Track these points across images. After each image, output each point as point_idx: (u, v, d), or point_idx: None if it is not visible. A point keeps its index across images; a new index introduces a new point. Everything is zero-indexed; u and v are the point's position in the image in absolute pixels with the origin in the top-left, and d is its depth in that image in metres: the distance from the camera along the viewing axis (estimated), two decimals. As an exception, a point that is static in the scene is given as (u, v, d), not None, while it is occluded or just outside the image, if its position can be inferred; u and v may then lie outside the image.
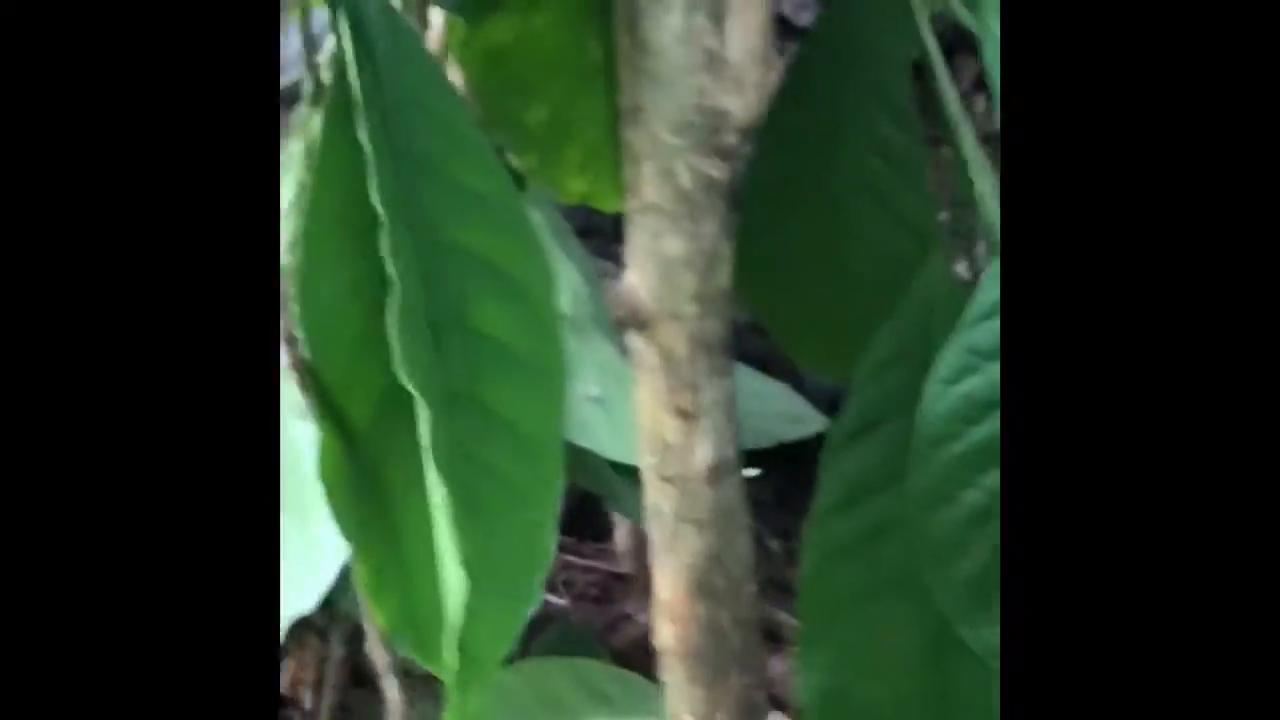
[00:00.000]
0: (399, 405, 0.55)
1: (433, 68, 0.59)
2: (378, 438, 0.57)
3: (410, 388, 0.53)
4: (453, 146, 0.58)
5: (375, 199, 0.55)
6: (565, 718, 0.84)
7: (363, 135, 0.56)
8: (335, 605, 0.90)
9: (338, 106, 0.56)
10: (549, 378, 0.60)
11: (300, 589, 0.85)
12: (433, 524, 0.55)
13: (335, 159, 0.56)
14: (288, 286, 0.55)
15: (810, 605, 0.73)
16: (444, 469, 0.53)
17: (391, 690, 0.63)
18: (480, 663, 0.57)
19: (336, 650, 1.03)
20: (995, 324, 0.65)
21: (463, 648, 0.56)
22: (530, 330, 0.60)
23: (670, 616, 0.67)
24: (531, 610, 0.60)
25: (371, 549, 0.58)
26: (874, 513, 0.71)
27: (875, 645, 0.73)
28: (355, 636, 1.03)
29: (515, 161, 0.76)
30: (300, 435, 0.88)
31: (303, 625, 1.04)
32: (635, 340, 0.65)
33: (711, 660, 0.67)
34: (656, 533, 0.66)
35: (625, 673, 0.87)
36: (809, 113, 0.80)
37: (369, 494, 0.57)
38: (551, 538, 0.61)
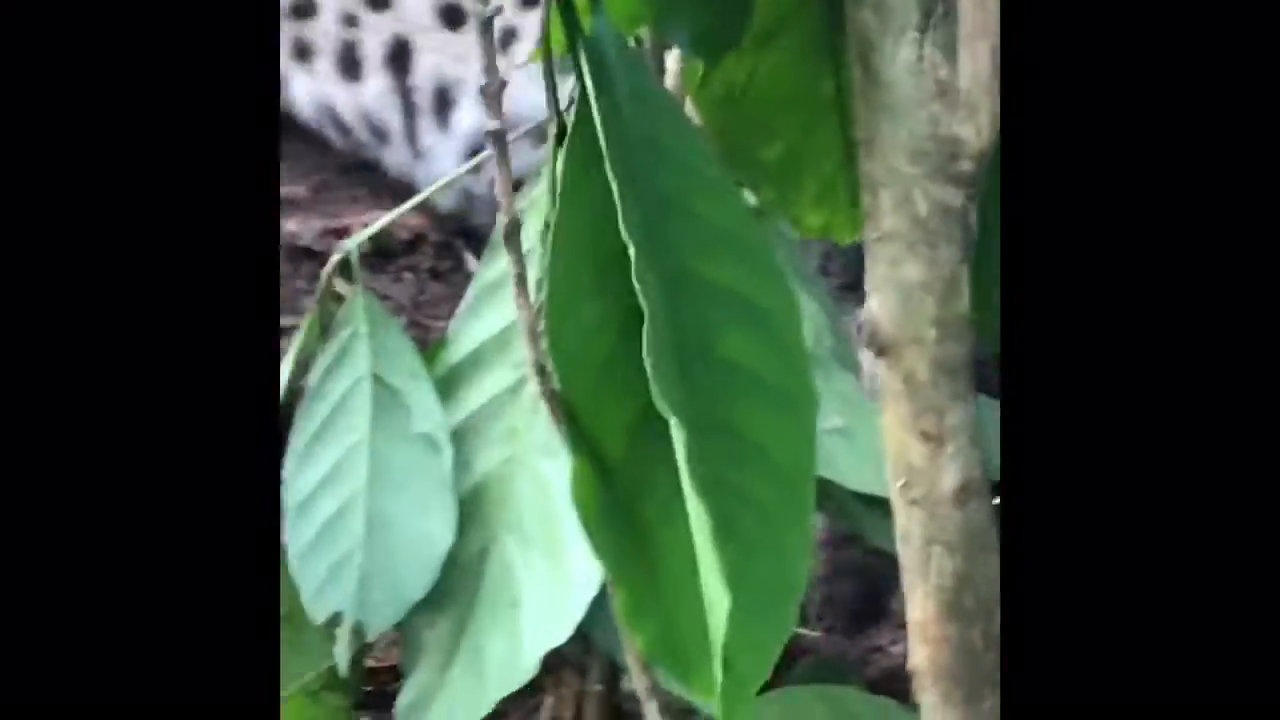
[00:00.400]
0: (651, 435, 0.57)
1: (673, 107, 0.61)
2: (631, 467, 0.59)
3: (666, 413, 0.54)
4: (695, 182, 0.60)
5: (624, 233, 0.57)
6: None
7: (609, 173, 0.58)
8: (591, 640, 0.92)
9: (582, 146, 0.58)
10: (799, 404, 0.62)
11: (553, 623, 0.88)
12: (690, 550, 0.57)
13: (582, 197, 0.58)
14: (534, 322, 0.57)
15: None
16: (701, 494, 0.55)
17: (654, 717, 0.64)
18: (742, 685, 0.59)
19: (594, 686, 1.05)
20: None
21: (724, 671, 0.57)
22: (777, 358, 0.61)
23: (923, 638, 0.67)
24: (788, 637, 0.61)
25: (629, 576, 0.59)
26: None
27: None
28: (612, 673, 1.05)
29: (752, 198, 0.77)
30: (548, 471, 0.91)
31: (559, 663, 1.06)
32: (879, 366, 0.66)
33: (965, 680, 0.67)
34: (906, 557, 0.67)
35: (881, 699, 0.88)
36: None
37: (624, 523, 0.59)
38: (805, 564, 0.62)
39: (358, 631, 0.89)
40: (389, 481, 0.92)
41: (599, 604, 0.88)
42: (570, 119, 0.59)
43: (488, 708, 0.89)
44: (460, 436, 0.93)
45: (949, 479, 0.65)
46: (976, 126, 0.65)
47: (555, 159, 0.60)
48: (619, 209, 0.57)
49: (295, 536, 0.91)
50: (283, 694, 0.95)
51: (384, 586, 0.90)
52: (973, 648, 0.67)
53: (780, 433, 0.61)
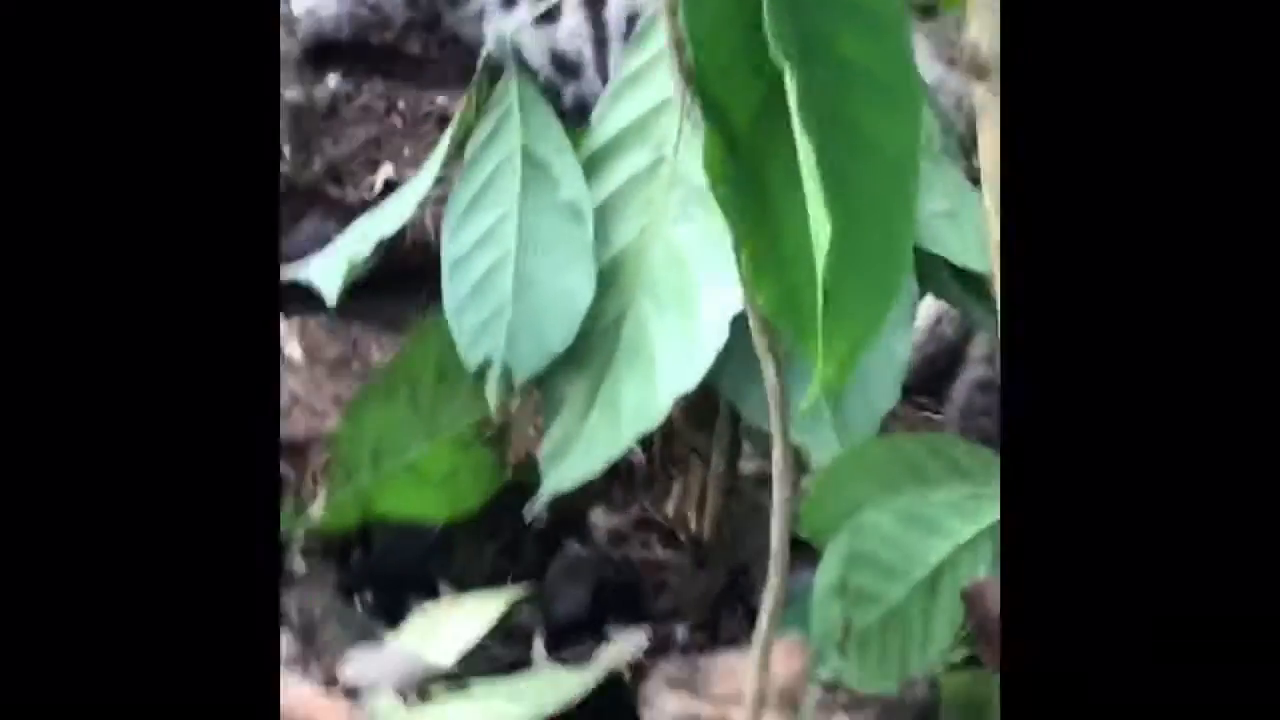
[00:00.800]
0: (776, 111, 0.64)
1: None
2: (758, 138, 0.66)
3: (784, 63, 0.61)
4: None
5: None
6: (925, 486, 0.92)
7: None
8: (716, 391, 1.00)
9: None
10: (905, 100, 0.68)
11: (684, 370, 0.96)
12: (807, 215, 0.64)
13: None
14: (674, 4, 0.64)
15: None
16: (812, 136, 0.62)
17: (771, 374, 0.71)
18: (845, 336, 0.66)
19: (718, 467, 1.12)
20: None
21: (827, 315, 0.64)
22: (889, 59, 0.68)
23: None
24: (890, 305, 0.68)
25: (752, 237, 0.67)
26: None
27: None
28: (732, 455, 1.12)
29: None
30: (682, 237, 0.99)
31: (685, 453, 1.14)
32: (978, 92, 0.73)
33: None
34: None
35: (978, 446, 0.94)
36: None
37: (749, 188, 0.66)
38: (908, 245, 0.69)
39: (505, 377, 0.98)
40: (536, 244, 1.00)
41: (725, 357, 0.96)
42: None
43: (623, 448, 0.97)
44: (601, 211, 1.01)
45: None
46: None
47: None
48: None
49: (451, 292, 0.99)
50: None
51: (530, 338, 0.98)
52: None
53: (891, 127, 0.68)
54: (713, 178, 0.66)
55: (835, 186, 0.62)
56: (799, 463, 0.96)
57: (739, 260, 0.68)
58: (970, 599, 0.82)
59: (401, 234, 1.06)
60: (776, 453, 0.76)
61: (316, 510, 1.05)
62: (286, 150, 1.30)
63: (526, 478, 1.03)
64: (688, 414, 1.11)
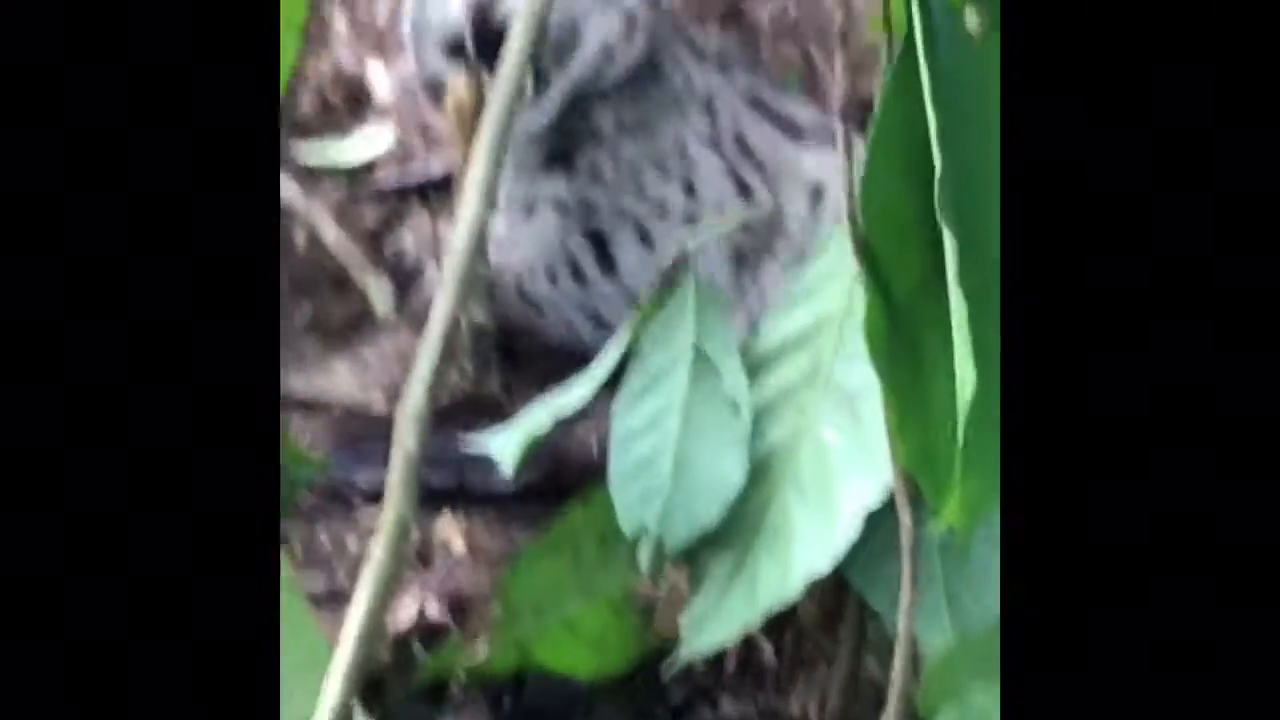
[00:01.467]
0: (935, 281, 0.74)
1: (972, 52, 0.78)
2: (918, 306, 0.75)
3: (949, 235, 0.71)
4: (987, 104, 0.77)
5: (935, 147, 0.74)
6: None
7: (927, 96, 0.75)
8: (847, 582, 1.08)
9: (906, 72, 0.76)
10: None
11: (818, 557, 1.04)
12: (953, 376, 0.73)
13: (900, 105, 0.76)
14: (852, 183, 0.74)
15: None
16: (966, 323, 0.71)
17: (906, 520, 0.79)
18: (980, 490, 0.74)
19: (841, 668, 1.19)
20: None
21: (968, 471, 0.73)
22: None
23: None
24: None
25: (900, 395, 0.75)
26: None
27: None
28: (856, 658, 1.19)
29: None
30: (828, 440, 1.07)
31: (813, 655, 1.22)
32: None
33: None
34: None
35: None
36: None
37: (903, 350, 0.75)
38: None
39: (658, 547, 1.06)
40: (697, 432, 1.09)
41: (859, 550, 1.04)
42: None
43: (759, 619, 1.05)
44: (760, 410, 1.11)
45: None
46: None
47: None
48: (930, 118, 0.75)
49: (616, 466, 1.09)
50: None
51: (683, 514, 1.07)
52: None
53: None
54: (871, 340, 0.75)
55: (982, 349, 0.71)
56: (915, 657, 1.03)
57: (887, 418, 0.77)
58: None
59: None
60: (902, 621, 0.84)
61: (480, 651, 1.14)
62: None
63: (669, 648, 1.11)
64: (819, 615, 1.18)
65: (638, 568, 1.08)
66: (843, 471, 1.06)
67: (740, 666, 1.14)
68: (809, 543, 1.05)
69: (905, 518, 0.80)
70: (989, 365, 0.73)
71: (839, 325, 1.10)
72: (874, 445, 1.03)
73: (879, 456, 1.01)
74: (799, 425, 1.10)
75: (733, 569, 1.07)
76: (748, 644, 1.25)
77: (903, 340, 0.75)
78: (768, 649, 1.21)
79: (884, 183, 0.75)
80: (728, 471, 1.08)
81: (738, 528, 1.08)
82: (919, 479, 0.77)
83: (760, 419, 1.10)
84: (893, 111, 0.76)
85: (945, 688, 0.96)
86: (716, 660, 1.25)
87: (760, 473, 1.09)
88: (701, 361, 1.12)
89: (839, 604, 1.14)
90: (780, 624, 1.21)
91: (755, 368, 1.12)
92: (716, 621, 1.06)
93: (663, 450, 1.09)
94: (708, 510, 1.07)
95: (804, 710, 1.21)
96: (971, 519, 0.74)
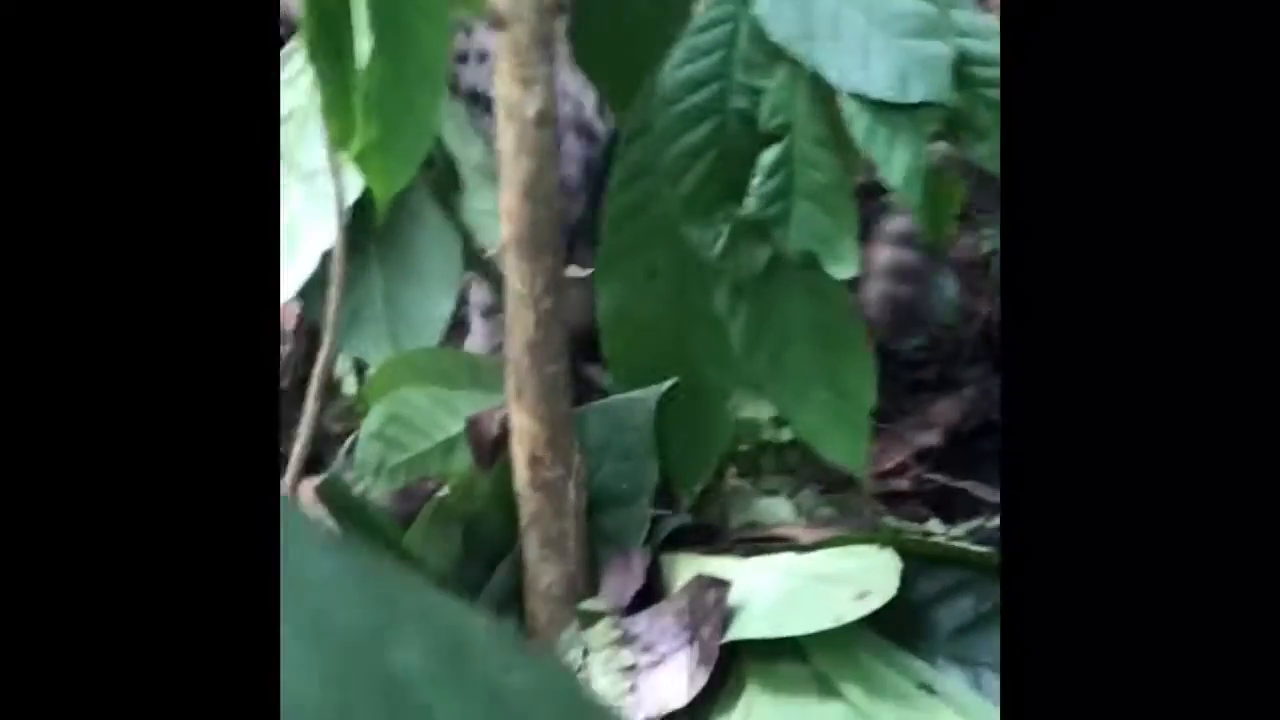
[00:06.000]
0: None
1: None
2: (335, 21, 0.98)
3: None
4: None
5: None
6: (452, 386, 1.23)
7: None
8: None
9: None
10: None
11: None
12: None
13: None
14: None
15: (606, 251, 1.13)
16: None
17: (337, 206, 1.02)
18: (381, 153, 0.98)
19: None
20: (715, 32, 1.04)
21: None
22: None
23: (508, 219, 1.06)
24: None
25: (326, 81, 0.98)
26: (645, 187, 1.11)
27: (645, 277, 1.12)
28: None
29: None
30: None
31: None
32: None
33: (531, 241, 1.05)
34: (503, 164, 1.06)
35: (494, 362, 1.25)
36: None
37: (327, 47, 0.98)
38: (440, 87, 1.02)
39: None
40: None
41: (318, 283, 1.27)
42: None
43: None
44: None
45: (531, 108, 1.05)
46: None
47: None
48: None
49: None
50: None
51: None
52: (539, 223, 1.05)
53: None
54: (310, 47, 0.98)
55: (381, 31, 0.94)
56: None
57: (320, 102, 1.00)
58: (471, 423, 1.12)
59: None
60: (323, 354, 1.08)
61: None
62: None
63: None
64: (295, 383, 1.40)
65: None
66: (303, 229, 1.28)
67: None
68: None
69: (335, 187, 1.03)
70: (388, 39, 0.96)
71: (302, 118, 1.32)
72: (327, 209, 1.26)
73: (332, 216, 1.23)
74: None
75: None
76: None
77: (328, 39, 0.97)
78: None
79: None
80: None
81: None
82: (338, 145, 1.00)
83: None
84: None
85: (382, 390, 1.19)
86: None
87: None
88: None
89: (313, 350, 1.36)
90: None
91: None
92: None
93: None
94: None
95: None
96: (380, 161, 0.97)
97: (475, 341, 1.48)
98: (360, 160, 0.99)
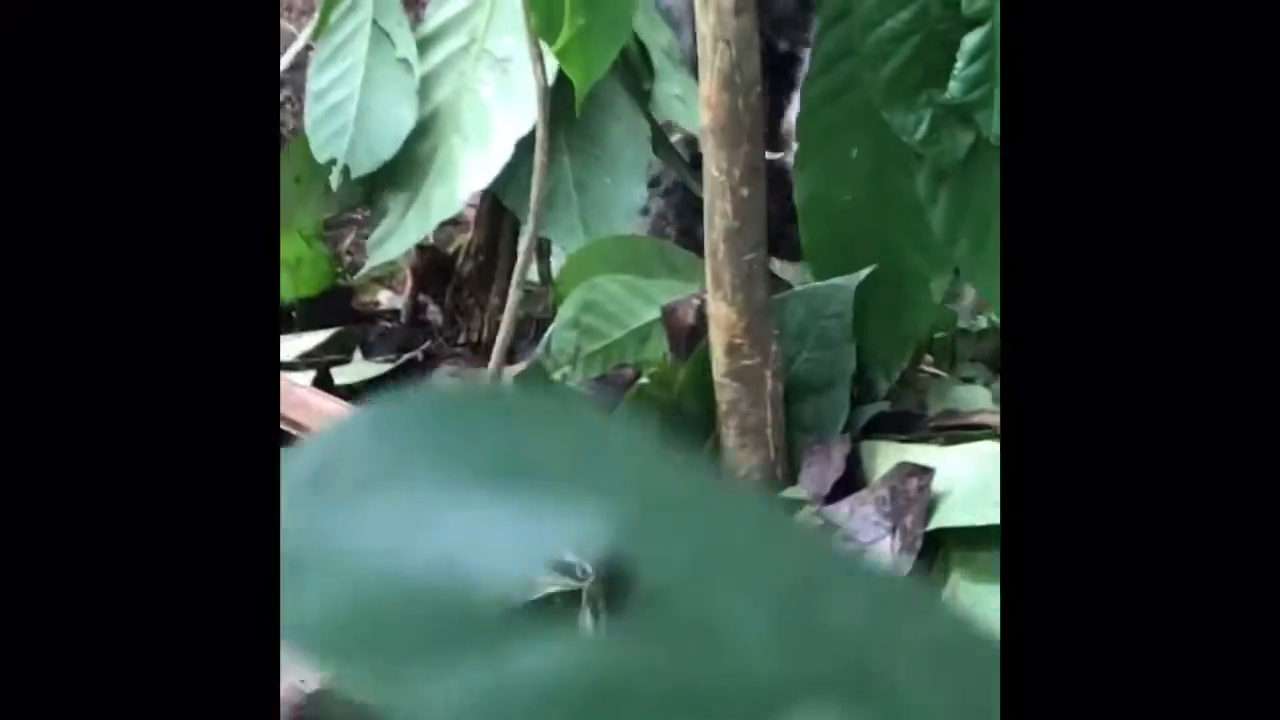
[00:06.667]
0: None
1: None
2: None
3: None
4: None
5: None
6: (644, 274, 1.23)
7: None
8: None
9: None
10: None
11: (475, 177, 1.28)
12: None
13: None
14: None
15: (804, 137, 1.12)
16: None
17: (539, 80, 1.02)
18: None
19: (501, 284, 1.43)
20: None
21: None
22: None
23: (708, 106, 1.05)
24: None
25: None
26: (845, 72, 1.10)
27: (844, 163, 1.11)
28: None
29: None
30: (485, 96, 1.30)
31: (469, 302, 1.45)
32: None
33: (731, 129, 1.04)
34: (702, 51, 1.05)
35: (690, 252, 1.25)
36: None
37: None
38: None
39: (345, 172, 1.29)
40: (376, 85, 1.31)
41: (509, 176, 1.27)
42: None
43: (432, 226, 1.29)
44: (427, 75, 1.33)
45: (726, -2, 1.04)
46: None
47: None
48: None
49: (311, 113, 1.31)
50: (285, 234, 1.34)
51: (365, 146, 1.30)
52: (738, 109, 1.04)
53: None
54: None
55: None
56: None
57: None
58: (667, 311, 1.13)
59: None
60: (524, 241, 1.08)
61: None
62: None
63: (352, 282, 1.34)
64: (475, 271, 1.41)
65: (328, 203, 1.30)
66: (496, 117, 1.29)
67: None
68: (472, 169, 1.28)
69: (537, 75, 1.03)
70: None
71: (490, 5, 1.33)
72: (519, 97, 1.27)
73: (526, 103, 1.24)
74: (460, 85, 1.32)
75: (408, 199, 1.30)
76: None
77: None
78: (433, 307, 1.44)
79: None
80: (401, 117, 1.30)
81: (411, 167, 1.31)
82: (543, 36, 1.00)
83: (428, 82, 1.33)
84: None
85: (575, 279, 1.20)
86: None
87: (429, 123, 1.32)
88: (378, 31, 1.34)
89: (492, 259, 1.37)
90: (443, 282, 1.43)
91: (424, 44, 1.35)
92: (396, 238, 1.29)
93: (348, 100, 1.31)
94: (385, 146, 1.30)
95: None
96: (582, 51, 0.97)
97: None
98: (562, 51, 0.99)
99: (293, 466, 0.24)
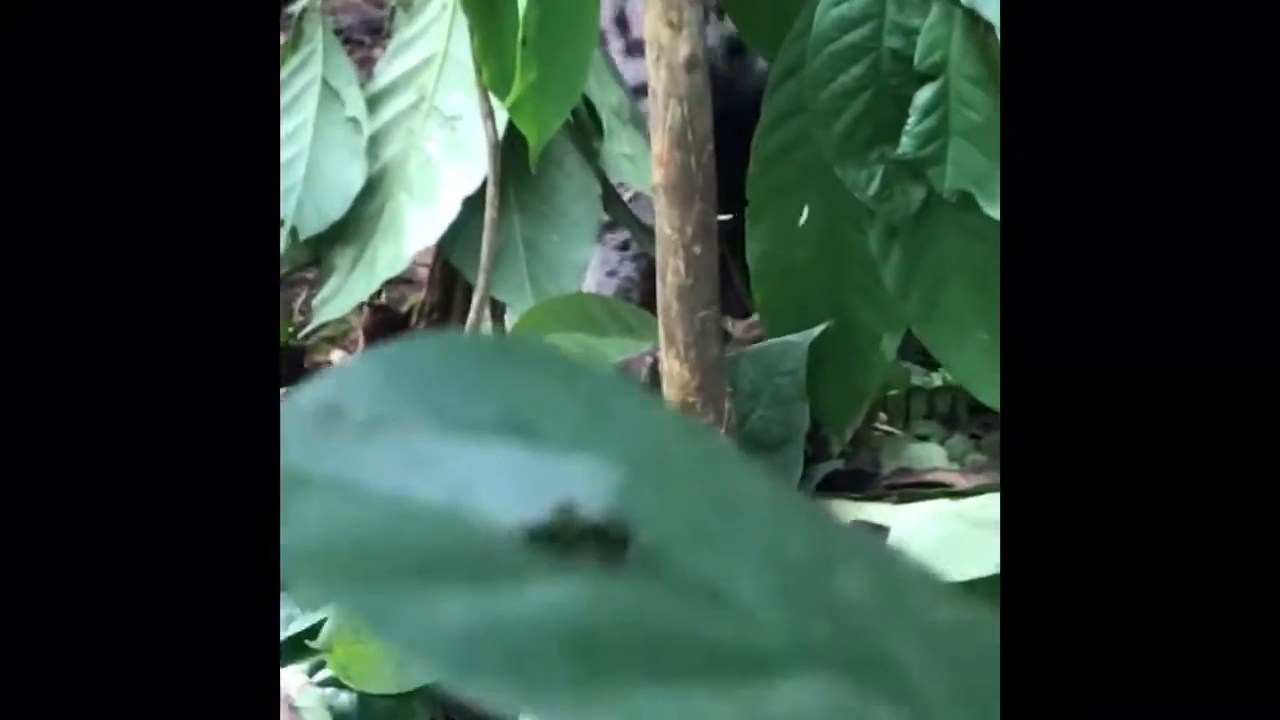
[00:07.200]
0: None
1: None
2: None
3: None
4: None
5: None
6: (597, 333, 1.22)
7: None
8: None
9: None
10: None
11: (422, 236, 1.27)
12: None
13: None
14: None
15: (755, 194, 1.11)
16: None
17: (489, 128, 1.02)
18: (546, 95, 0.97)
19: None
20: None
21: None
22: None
23: (660, 164, 1.05)
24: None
25: (481, 28, 0.97)
26: (795, 128, 1.10)
27: (796, 220, 1.11)
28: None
29: None
30: (430, 148, 1.30)
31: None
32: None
33: (683, 189, 1.04)
34: (653, 109, 1.05)
35: (643, 312, 1.25)
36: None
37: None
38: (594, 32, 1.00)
39: (294, 234, 1.27)
40: (325, 144, 1.30)
41: (456, 233, 1.27)
42: None
43: (378, 284, 1.28)
44: (376, 133, 1.32)
45: (682, 52, 1.04)
46: None
47: None
48: None
49: (254, 173, 1.29)
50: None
51: (314, 206, 1.29)
52: (690, 169, 1.04)
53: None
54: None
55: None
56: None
57: (473, 47, 0.99)
58: (620, 369, 1.12)
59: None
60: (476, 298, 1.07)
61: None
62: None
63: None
64: (431, 328, 1.40)
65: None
66: (444, 174, 1.28)
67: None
68: (418, 227, 1.28)
69: (487, 131, 1.03)
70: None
71: (440, 63, 1.32)
72: (468, 154, 1.26)
73: (474, 160, 1.23)
74: (408, 143, 1.32)
75: (355, 257, 1.29)
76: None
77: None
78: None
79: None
80: (351, 177, 1.30)
81: (358, 225, 1.30)
82: (495, 91, 0.99)
83: (377, 140, 1.32)
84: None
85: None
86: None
87: (377, 181, 1.31)
88: (328, 91, 1.33)
89: (446, 318, 1.37)
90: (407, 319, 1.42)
91: (373, 101, 1.34)
92: (341, 296, 1.28)
93: (296, 159, 1.30)
94: (334, 206, 1.29)
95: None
96: (534, 107, 0.97)
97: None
98: (515, 106, 0.98)
99: (298, 402, 0.23)
